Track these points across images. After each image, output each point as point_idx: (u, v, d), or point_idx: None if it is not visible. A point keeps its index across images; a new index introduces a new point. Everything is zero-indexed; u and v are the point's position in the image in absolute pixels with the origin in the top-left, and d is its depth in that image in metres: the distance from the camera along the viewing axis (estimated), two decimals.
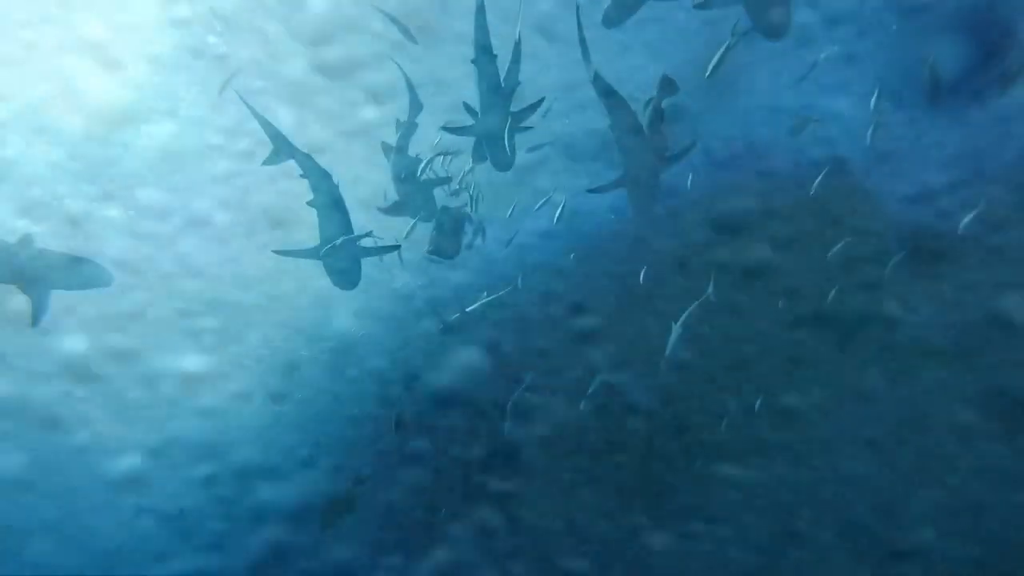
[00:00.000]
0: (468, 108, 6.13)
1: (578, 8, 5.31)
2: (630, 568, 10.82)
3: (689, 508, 11.93)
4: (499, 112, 5.68)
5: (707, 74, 5.68)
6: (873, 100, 8.02)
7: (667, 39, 9.59)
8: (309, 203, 5.43)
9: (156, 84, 7.72)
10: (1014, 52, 5.49)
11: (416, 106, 8.21)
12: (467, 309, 10.65)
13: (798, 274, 9.30)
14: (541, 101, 5.71)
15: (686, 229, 11.29)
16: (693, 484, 12.50)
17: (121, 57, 7.40)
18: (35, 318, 5.34)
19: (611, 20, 5.58)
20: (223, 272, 9.15)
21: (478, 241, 10.21)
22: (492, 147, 6.18)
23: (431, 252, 9.53)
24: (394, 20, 6.76)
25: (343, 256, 5.71)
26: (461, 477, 13.71)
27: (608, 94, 5.12)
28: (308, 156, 5.35)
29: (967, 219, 7.91)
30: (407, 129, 8.40)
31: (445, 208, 9.09)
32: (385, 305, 13.69)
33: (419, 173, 8.61)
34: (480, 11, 5.39)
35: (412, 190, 8.58)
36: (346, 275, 5.89)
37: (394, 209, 8.90)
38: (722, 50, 5.55)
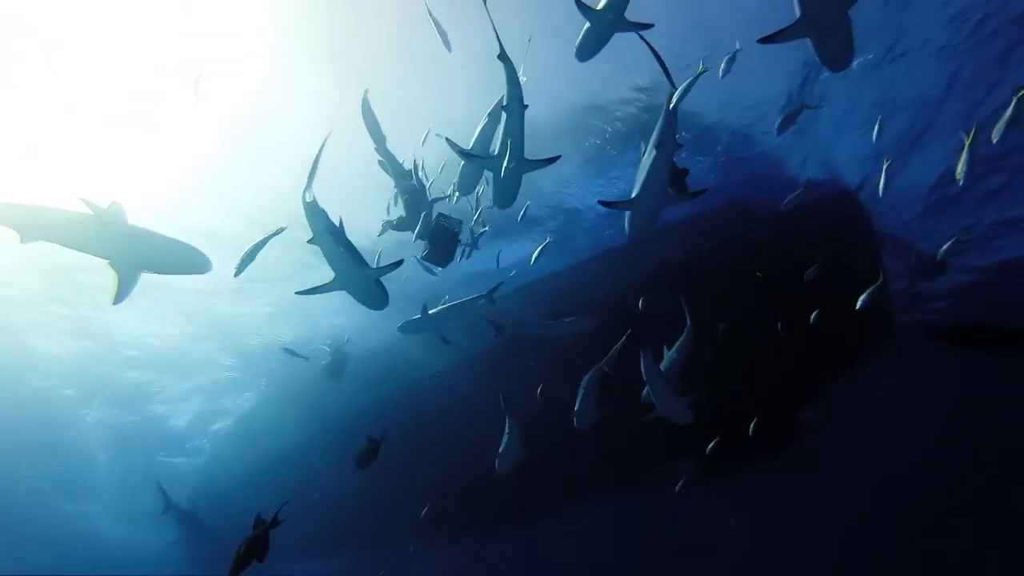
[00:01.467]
0: (450, 142, 6.33)
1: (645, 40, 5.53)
2: None
3: None
4: (515, 159, 5.87)
5: (671, 105, 5.77)
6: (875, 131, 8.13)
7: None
8: (309, 241, 5.53)
9: None
10: None
11: (380, 137, 8.48)
12: (429, 312, 10.81)
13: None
14: (557, 158, 5.92)
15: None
16: None
17: None
18: (117, 296, 4.99)
19: (582, 54, 5.77)
20: None
21: (473, 249, 10.33)
22: (499, 186, 6.33)
23: (424, 259, 9.64)
24: (438, 25, 6.88)
25: (360, 283, 5.80)
26: None
27: (672, 115, 5.34)
28: (313, 202, 5.46)
29: (945, 247, 8.15)
30: (387, 157, 8.60)
31: (440, 216, 9.18)
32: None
33: (409, 186, 8.81)
34: (505, 57, 5.51)
35: (413, 205, 8.74)
36: (373, 297, 5.98)
37: (399, 225, 9.11)
38: (687, 83, 5.64)
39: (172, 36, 10.05)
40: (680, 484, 11.41)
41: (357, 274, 5.70)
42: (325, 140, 5.63)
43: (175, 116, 10.95)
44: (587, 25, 5.50)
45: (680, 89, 5.53)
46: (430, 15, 6.87)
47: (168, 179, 12.00)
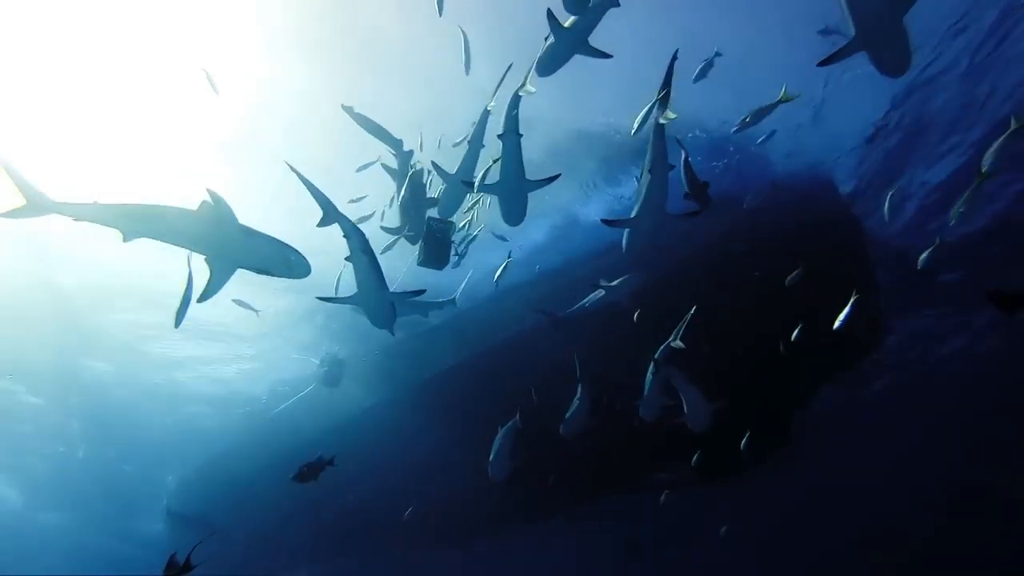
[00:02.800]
0: (438, 168, 6.90)
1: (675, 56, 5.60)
2: None
3: None
4: (516, 180, 6.14)
5: (632, 132, 5.91)
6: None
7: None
8: (347, 259, 5.70)
9: None
10: None
11: (399, 146, 8.58)
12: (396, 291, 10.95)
13: None
14: (557, 176, 6.18)
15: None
16: None
17: None
18: (207, 292, 4.89)
19: (543, 70, 5.99)
20: None
21: (466, 252, 10.40)
22: (506, 206, 6.64)
23: (420, 264, 9.70)
24: (466, 47, 7.05)
25: (377, 303, 6.07)
26: None
27: (659, 136, 5.57)
28: (347, 218, 5.63)
29: (925, 255, 8.22)
30: (404, 158, 8.65)
31: (431, 220, 9.25)
32: None
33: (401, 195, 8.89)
34: (515, 99, 5.75)
35: (409, 212, 8.84)
36: (383, 318, 6.28)
37: (396, 231, 9.24)
38: (646, 109, 5.79)
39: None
40: (664, 496, 11.49)
41: (377, 295, 5.94)
42: (293, 168, 5.65)
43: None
44: (551, 41, 5.72)
45: (641, 114, 5.73)
46: (463, 38, 7.04)
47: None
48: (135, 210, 4.48)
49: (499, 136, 5.90)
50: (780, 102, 6.25)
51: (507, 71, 6.62)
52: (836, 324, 7.10)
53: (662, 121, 5.58)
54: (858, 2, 4.28)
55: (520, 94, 5.87)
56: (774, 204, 10.81)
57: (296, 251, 4.92)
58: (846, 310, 7.21)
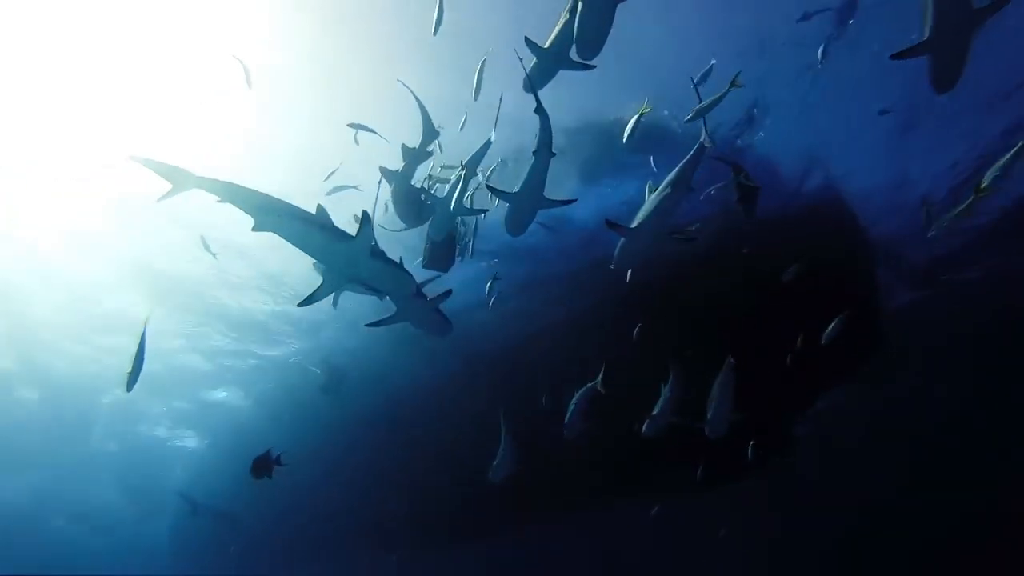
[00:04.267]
0: (430, 192, 7.02)
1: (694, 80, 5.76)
2: None
3: None
4: (535, 196, 6.15)
5: (624, 140, 6.00)
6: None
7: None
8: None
9: None
10: None
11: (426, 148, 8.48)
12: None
13: None
14: (574, 200, 6.29)
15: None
16: None
17: None
18: (311, 300, 4.94)
19: (530, 86, 6.06)
20: None
21: (468, 254, 10.47)
22: (516, 217, 6.60)
23: (425, 266, 9.74)
24: (480, 75, 7.05)
25: (422, 313, 6.01)
26: None
27: (695, 158, 5.71)
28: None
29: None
30: (413, 158, 8.65)
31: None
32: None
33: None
34: (541, 109, 5.72)
35: (408, 211, 8.84)
36: (434, 325, 6.22)
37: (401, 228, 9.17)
38: (634, 119, 5.89)
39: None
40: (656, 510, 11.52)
41: (417, 306, 5.87)
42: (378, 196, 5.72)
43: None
44: (534, 60, 5.80)
45: (630, 125, 5.87)
46: (481, 67, 7.04)
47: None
48: (273, 204, 4.52)
49: (533, 152, 5.85)
50: (731, 88, 6.20)
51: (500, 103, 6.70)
52: (823, 339, 7.15)
53: (705, 143, 5.67)
54: (942, 4, 4.38)
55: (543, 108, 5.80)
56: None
57: (409, 276, 4.96)
58: (834, 323, 7.24)
